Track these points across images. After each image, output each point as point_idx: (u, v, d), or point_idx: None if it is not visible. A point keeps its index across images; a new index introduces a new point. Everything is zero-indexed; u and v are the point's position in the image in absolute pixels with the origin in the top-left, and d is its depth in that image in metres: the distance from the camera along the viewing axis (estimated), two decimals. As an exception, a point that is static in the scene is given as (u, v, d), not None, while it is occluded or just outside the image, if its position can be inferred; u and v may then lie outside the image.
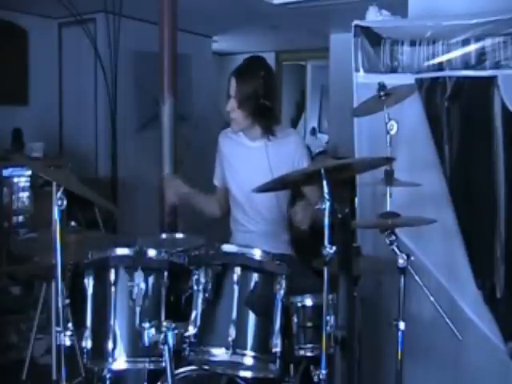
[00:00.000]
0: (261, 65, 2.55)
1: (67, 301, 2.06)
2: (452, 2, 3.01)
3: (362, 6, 3.07)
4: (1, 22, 5.26)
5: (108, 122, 5.57)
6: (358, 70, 3.01)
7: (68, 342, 2.01)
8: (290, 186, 2.36)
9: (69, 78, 5.94)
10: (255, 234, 2.60)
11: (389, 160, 2.25)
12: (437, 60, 2.84)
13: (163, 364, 1.80)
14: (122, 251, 1.99)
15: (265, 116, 2.51)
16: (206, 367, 1.96)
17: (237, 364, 1.89)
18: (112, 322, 1.94)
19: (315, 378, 1.83)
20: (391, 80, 2.62)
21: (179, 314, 1.98)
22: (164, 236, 2.66)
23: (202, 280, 1.91)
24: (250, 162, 2.58)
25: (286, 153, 2.55)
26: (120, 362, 1.94)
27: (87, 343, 1.98)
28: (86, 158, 5.74)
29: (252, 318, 1.89)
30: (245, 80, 2.48)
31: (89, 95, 5.79)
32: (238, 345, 1.86)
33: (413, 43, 2.88)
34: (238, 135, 2.63)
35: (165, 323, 1.81)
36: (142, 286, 1.94)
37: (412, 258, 2.05)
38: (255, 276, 1.92)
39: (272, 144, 2.54)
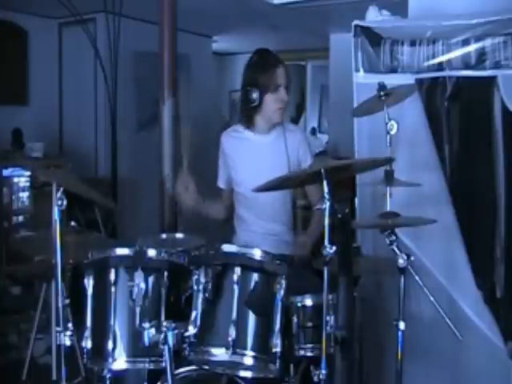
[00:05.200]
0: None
1: (67, 301, 2.06)
2: (452, 1, 3.00)
3: (362, 6, 3.07)
4: (1, 22, 5.27)
5: (108, 122, 5.57)
6: (357, 70, 3.00)
7: (68, 342, 2.01)
8: (292, 185, 2.36)
9: (69, 78, 5.95)
10: (259, 233, 2.60)
11: (389, 160, 2.25)
12: (437, 60, 2.84)
13: (163, 364, 1.80)
14: (121, 251, 1.99)
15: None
16: (206, 367, 1.97)
17: (237, 364, 1.89)
18: (112, 322, 1.94)
19: (315, 378, 1.83)
20: (391, 80, 2.61)
21: (179, 314, 1.98)
22: (164, 236, 2.66)
23: (202, 280, 1.91)
24: (256, 158, 2.59)
25: (291, 148, 2.57)
26: (120, 362, 1.94)
27: (87, 343, 1.97)
28: (86, 157, 5.74)
29: (252, 318, 1.89)
30: (288, 69, 2.58)
31: (89, 95, 5.79)
32: (238, 345, 1.85)
33: (413, 43, 2.88)
34: (241, 132, 2.64)
35: (165, 323, 1.81)
36: (142, 285, 1.94)
37: (412, 258, 2.05)
38: (255, 276, 1.91)
39: (278, 140, 2.57)
